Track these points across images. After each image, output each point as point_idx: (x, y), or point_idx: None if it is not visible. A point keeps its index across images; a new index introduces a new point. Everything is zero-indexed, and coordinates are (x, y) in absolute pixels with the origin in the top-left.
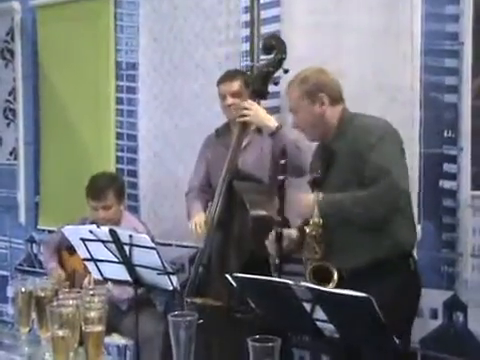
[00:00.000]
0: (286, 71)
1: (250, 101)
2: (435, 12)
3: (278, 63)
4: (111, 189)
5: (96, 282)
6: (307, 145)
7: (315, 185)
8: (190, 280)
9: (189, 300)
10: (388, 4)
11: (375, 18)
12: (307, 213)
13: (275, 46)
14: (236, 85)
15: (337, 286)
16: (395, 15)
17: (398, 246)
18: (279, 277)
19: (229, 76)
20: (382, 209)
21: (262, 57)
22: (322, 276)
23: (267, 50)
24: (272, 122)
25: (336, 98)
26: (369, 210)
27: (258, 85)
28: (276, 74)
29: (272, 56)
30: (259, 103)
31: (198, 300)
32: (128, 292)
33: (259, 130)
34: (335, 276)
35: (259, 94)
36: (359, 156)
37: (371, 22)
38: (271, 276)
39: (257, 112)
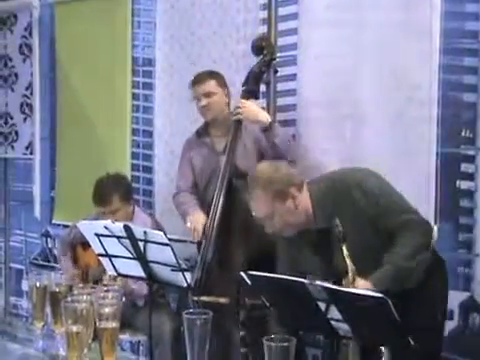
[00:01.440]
0: (276, 72)
1: (242, 100)
2: (455, 10)
3: (268, 64)
4: (116, 193)
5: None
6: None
7: None
8: (195, 278)
9: (196, 298)
10: (407, 2)
11: (394, 16)
12: None
13: (265, 47)
14: (209, 86)
15: None
16: (414, 13)
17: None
18: None
19: (201, 77)
20: (425, 248)
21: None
22: None
23: (257, 51)
24: (265, 117)
25: (301, 183)
26: (424, 250)
27: (250, 85)
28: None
29: (262, 57)
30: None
31: (205, 298)
32: (147, 288)
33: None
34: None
35: (251, 94)
36: (358, 209)
37: (389, 20)
38: (276, 272)
39: (250, 109)
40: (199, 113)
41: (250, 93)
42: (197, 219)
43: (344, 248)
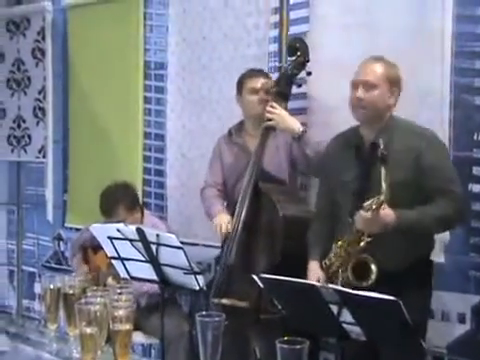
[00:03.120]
0: (309, 73)
1: (274, 104)
2: (466, 13)
3: (301, 65)
4: (121, 204)
5: (118, 281)
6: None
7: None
8: (216, 281)
9: (216, 301)
10: (419, 5)
11: (405, 19)
12: (384, 228)
13: (299, 48)
14: (264, 82)
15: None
16: (426, 16)
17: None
18: None
19: (256, 73)
20: (455, 225)
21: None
22: (361, 272)
23: (291, 52)
24: (297, 126)
25: (397, 100)
26: (445, 226)
27: (282, 87)
28: (299, 76)
29: (295, 58)
30: (286, 108)
31: (225, 301)
32: (148, 284)
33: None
34: (373, 269)
35: (283, 96)
36: (414, 157)
37: (401, 23)
38: (302, 278)
39: (283, 116)
40: (245, 106)
41: (281, 95)
42: (222, 220)
43: (383, 170)
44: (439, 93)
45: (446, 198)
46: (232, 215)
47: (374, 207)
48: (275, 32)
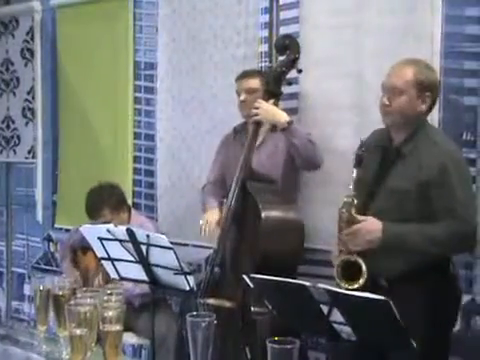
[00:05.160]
0: (300, 71)
1: (259, 100)
2: (455, 14)
3: (291, 63)
4: (106, 206)
5: (107, 281)
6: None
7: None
8: (203, 281)
9: (202, 301)
10: (408, 6)
11: (395, 20)
12: (371, 241)
13: (289, 46)
14: (252, 82)
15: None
16: (415, 17)
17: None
18: None
19: (246, 74)
20: (455, 250)
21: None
22: (351, 273)
23: (281, 50)
24: (283, 117)
25: (433, 105)
26: (439, 248)
27: (271, 85)
28: (289, 74)
29: (285, 56)
30: (277, 104)
31: (212, 301)
32: (141, 287)
33: (274, 128)
34: (363, 270)
35: (273, 94)
36: (428, 173)
37: (391, 24)
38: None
39: (267, 109)
40: (238, 108)
41: (271, 94)
42: (209, 217)
43: (355, 171)
44: None
45: (453, 221)
46: None
47: (344, 210)
48: (265, 32)
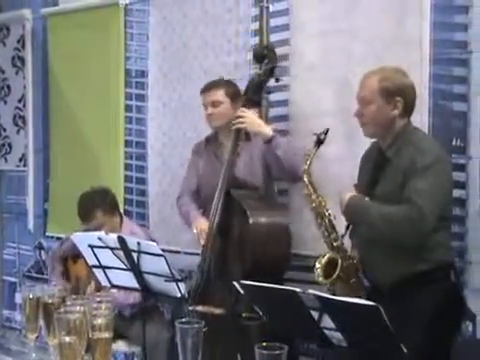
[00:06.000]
0: (277, 80)
1: (243, 109)
2: (444, 21)
3: (270, 72)
4: (98, 209)
5: (99, 289)
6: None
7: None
8: (192, 288)
9: (192, 308)
10: (397, 12)
11: (384, 26)
12: (342, 208)
13: (266, 55)
14: (216, 94)
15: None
16: (404, 23)
17: (434, 261)
18: None
19: (210, 86)
20: (402, 233)
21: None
22: (329, 269)
23: (259, 59)
24: (267, 129)
25: (409, 108)
26: (390, 228)
27: (251, 94)
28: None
29: (264, 65)
30: (260, 113)
31: (201, 308)
32: (134, 296)
33: (247, 137)
34: (338, 263)
35: (253, 102)
36: (408, 174)
37: (380, 30)
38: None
39: (252, 119)
40: (206, 121)
41: (251, 102)
42: (201, 225)
43: (314, 150)
44: (418, 99)
45: (406, 205)
46: None
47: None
48: (255, 40)
